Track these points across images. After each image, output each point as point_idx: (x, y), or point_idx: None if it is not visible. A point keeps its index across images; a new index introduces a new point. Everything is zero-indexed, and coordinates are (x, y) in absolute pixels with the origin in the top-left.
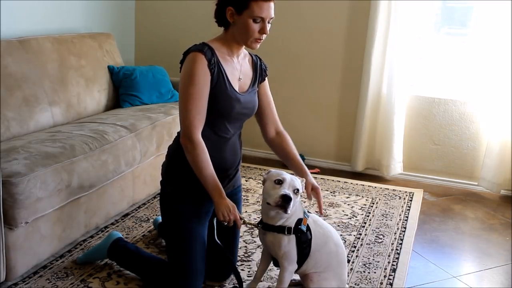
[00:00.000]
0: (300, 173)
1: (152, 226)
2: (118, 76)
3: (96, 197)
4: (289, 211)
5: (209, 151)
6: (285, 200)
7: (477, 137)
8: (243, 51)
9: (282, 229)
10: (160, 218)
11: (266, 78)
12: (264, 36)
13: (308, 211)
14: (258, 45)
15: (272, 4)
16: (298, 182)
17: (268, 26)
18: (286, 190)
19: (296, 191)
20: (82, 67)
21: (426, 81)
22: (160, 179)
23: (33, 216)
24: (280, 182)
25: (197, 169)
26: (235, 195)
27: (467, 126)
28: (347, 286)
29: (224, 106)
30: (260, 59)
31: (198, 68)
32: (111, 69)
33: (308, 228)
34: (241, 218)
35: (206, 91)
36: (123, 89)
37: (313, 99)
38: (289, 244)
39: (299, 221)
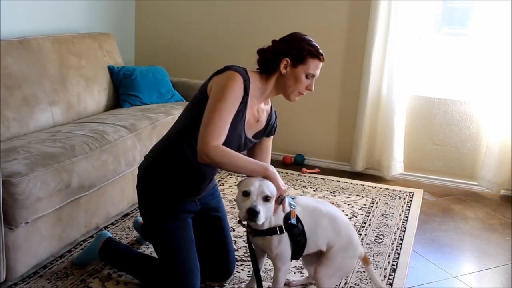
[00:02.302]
0: None
1: None
2: (118, 76)
3: (96, 197)
4: (260, 222)
5: (189, 166)
6: (251, 215)
7: (477, 137)
8: (268, 100)
9: (273, 231)
10: (139, 219)
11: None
12: (306, 92)
13: (291, 197)
14: (297, 99)
15: (321, 65)
16: (269, 187)
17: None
18: (254, 201)
19: (266, 198)
20: (82, 67)
21: (426, 81)
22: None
23: (33, 216)
24: (247, 193)
25: (233, 168)
26: (212, 195)
27: (467, 126)
28: (360, 248)
29: (227, 139)
30: (276, 117)
31: (235, 89)
32: (111, 69)
33: (298, 219)
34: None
35: (233, 112)
36: (123, 89)
37: (313, 99)
38: (280, 244)
39: (288, 215)
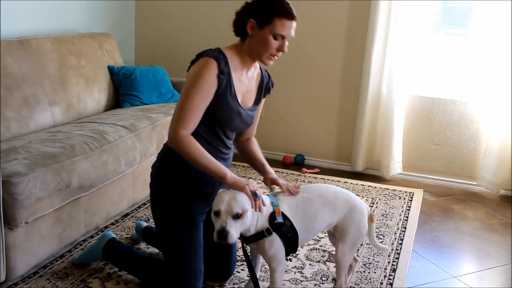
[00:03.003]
0: (261, 170)
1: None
2: (118, 76)
3: (96, 197)
4: (232, 241)
5: None
6: (221, 237)
7: (477, 137)
8: (255, 64)
9: (262, 234)
10: (142, 223)
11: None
12: (280, 54)
13: (273, 194)
14: (272, 62)
15: (294, 24)
16: (239, 203)
17: (286, 45)
18: (223, 221)
19: (236, 215)
20: (82, 67)
21: (426, 81)
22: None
23: (33, 216)
24: (217, 213)
25: (194, 162)
26: None
27: (467, 126)
28: (364, 206)
29: (224, 117)
30: (269, 76)
31: (207, 74)
32: (111, 69)
33: (284, 215)
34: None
35: (206, 98)
36: (123, 89)
37: (313, 99)
38: (272, 246)
39: (273, 215)
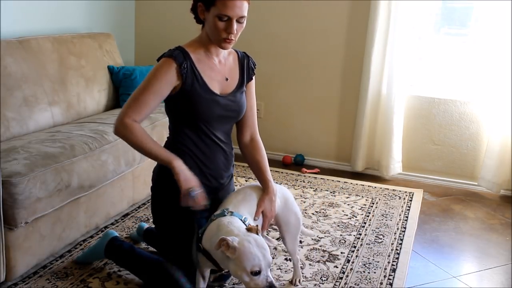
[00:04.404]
0: (263, 186)
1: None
2: (118, 76)
3: (96, 197)
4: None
5: (200, 159)
6: None
7: (477, 137)
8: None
9: None
10: (144, 225)
11: (254, 78)
12: (232, 36)
13: (227, 210)
14: (229, 46)
15: (240, 3)
16: (268, 251)
17: (240, 26)
18: (267, 277)
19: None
20: (82, 67)
21: (426, 81)
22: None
23: (33, 216)
24: (257, 273)
25: (138, 148)
26: None
27: (467, 126)
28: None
29: (203, 110)
30: (248, 57)
31: (160, 73)
32: (111, 69)
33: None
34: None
35: (158, 95)
36: (123, 89)
37: (313, 99)
38: None
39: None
